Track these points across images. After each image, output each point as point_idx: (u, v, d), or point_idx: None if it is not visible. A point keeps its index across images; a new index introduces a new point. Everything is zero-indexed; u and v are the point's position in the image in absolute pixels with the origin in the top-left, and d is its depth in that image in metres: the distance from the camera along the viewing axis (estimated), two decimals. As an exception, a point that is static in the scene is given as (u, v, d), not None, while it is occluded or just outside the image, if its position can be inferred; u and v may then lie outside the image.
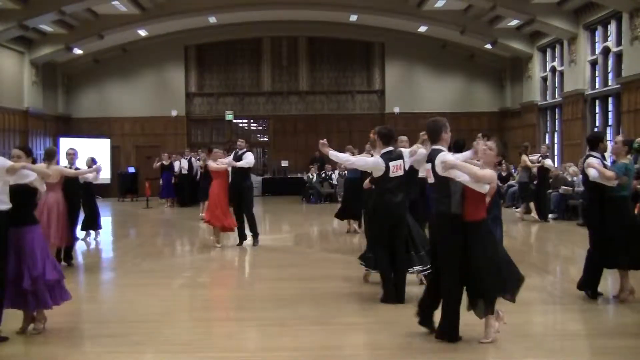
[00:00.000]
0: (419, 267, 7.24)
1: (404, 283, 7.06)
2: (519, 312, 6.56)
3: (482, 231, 5.43)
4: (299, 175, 24.40)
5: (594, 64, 18.73)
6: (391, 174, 7.00)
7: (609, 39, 17.94)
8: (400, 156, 7.11)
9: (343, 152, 8.50)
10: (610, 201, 6.78)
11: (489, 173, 5.35)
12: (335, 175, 21.91)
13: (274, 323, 6.27)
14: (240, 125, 26.90)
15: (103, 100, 25.27)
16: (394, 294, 6.95)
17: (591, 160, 6.83)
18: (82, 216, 11.07)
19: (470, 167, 5.32)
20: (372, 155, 7.98)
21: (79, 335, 6.05)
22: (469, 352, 5.35)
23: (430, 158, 5.56)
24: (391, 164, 7.01)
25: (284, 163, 25.18)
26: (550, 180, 15.49)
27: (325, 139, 7.57)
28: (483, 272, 5.34)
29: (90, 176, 9.72)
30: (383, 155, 7.07)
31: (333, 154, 7.38)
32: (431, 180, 5.60)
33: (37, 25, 20.17)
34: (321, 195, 21.90)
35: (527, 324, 6.25)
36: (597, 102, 18.64)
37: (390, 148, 7.12)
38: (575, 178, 15.04)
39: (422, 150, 7.27)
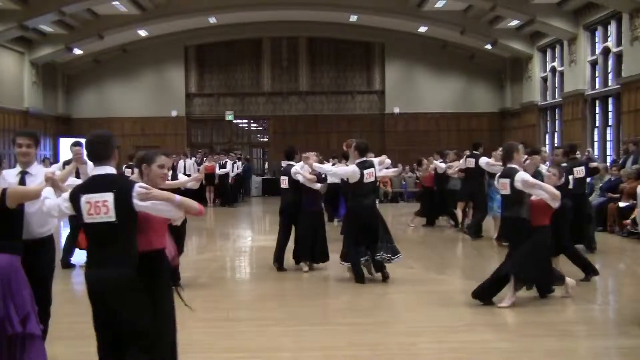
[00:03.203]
0: (388, 255, 8.05)
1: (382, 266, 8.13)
2: (519, 312, 6.57)
3: (541, 234, 6.73)
4: (299, 175, 24.35)
5: (594, 64, 18.72)
6: (365, 180, 8.01)
7: (609, 39, 17.94)
8: (372, 165, 8.14)
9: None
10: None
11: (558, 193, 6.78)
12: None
13: (274, 323, 6.27)
14: (240, 125, 26.90)
15: (103, 100, 25.26)
16: (362, 277, 8.03)
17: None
18: None
19: (550, 188, 6.69)
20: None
21: (79, 335, 6.04)
22: (470, 352, 5.36)
23: (507, 174, 6.82)
24: (365, 171, 8.01)
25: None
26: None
27: (307, 154, 8.76)
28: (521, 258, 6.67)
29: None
30: (358, 164, 8.05)
31: (317, 166, 8.63)
32: (506, 192, 6.82)
33: (37, 26, 20.17)
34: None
35: (527, 324, 6.25)
36: (597, 102, 18.64)
37: (364, 158, 8.12)
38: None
39: (388, 161, 8.85)
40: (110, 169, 3.99)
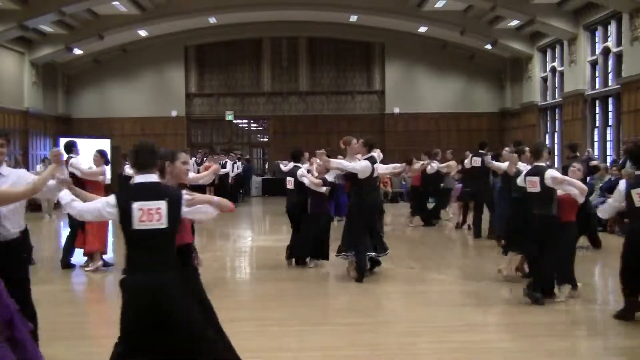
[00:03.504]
0: (383, 253, 8.43)
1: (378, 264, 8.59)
2: (519, 312, 6.58)
3: (570, 230, 6.94)
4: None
5: (594, 64, 18.72)
6: (374, 175, 8.31)
7: (609, 39, 17.93)
8: (376, 160, 8.41)
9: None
10: None
11: (586, 188, 7.05)
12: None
13: (274, 323, 6.28)
14: (240, 125, 26.90)
15: (103, 100, 25.25)
16: (364, 272, 8.12)
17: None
18: None
19: (579, 183, 6.86)
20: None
21: (79, 335, 6.04)
22: (470, 352, 5.36)
23: (537, 172, 6.98)
24: (374, 166, 8.30)
25: (283, 165, 25.08)
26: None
27: (322, 150, 8.49)
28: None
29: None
30: (369, 159, 8.25)
31: (334, 161, 8.46)
32: (536, 189, 6.96)
33: (37, 26, 20.16)
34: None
35: (527, 324, 6.25)
36: (597, 102, 18.64)
37: (371, 154, 8.38)
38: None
39: (381, 155, 8.95)
40: (155, 177, 4.15)
